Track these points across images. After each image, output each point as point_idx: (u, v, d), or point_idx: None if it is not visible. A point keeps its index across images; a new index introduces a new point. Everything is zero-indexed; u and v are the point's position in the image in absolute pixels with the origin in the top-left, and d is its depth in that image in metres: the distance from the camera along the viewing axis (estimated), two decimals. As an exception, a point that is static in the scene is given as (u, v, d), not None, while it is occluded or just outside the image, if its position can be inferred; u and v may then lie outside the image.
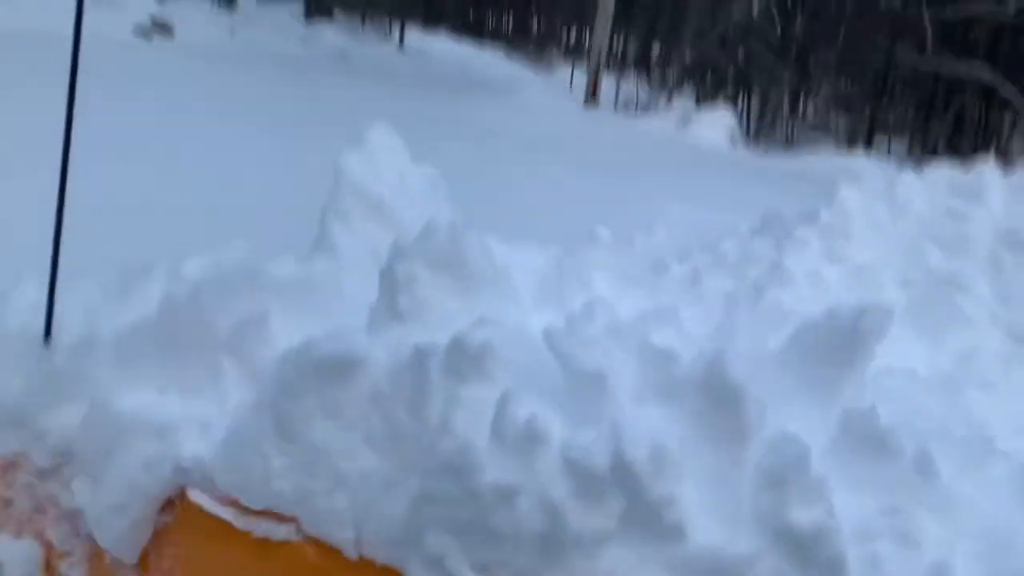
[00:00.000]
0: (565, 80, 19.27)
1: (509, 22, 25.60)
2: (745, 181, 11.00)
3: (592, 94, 16.87)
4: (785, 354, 2.18)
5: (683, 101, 18.25)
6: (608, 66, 18.72)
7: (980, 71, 16.27)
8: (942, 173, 3.97)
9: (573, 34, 24.64)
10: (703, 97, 18.88)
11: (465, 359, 2.07)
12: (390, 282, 2.34)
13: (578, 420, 1.98)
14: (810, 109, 19.12)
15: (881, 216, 3.63)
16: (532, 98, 15.86)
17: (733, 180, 10.95)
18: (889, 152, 17.05)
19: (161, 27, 13.36)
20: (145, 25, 13.56)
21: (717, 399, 1.92)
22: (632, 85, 18.92)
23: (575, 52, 22.11)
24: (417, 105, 12.25)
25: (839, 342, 2.11)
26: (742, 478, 1.90)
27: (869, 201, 3.73)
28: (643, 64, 21.80)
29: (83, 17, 2.56)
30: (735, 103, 18.75)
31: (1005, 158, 16.67)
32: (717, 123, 16.22)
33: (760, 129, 18.35)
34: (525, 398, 1.99)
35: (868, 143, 17.25)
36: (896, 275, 3.43)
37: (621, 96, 18.06)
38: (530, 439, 1.93)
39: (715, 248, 3.64)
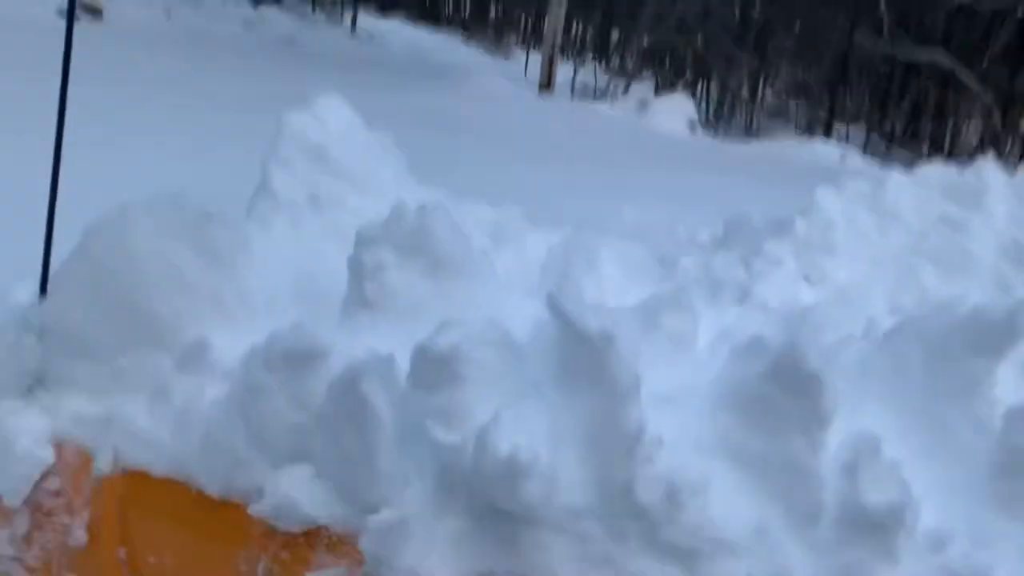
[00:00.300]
0: (521, 67, 18.68)
1: (466, 7, 24.98)
2: (705, 171, 10.53)
3: (547, 81, 16.28)
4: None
5: (641, 88, 17.75)
6: (565, 52, 18.17)
7: (937, 56, 15.95)
8: (935, 173, 3.29)
9: (531, 20, 24.02)
10: (662, 84, 18.41)
11: (431, 368, 1.85)
12: (357, 271, 2.22)
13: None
14: (768, 96, 18.75)
15: (866, 225, 3.03)
16: (485, 85, 15.23)
17: (692, 170, 10.47)
18: (847, 139, 16.71)
19: (88, 8, 12.43)
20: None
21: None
22: (590, 72, 18.40)
23: (533, 38, 21.50)
24: (365, 93, 11.61)
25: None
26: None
27: (851, 206, 3.13)
28: (601, 50, 21.29)
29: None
30: (694, 90, 18.32)
31: (959, 145, 16.65)
32: (676, 110, 15.76)
33: (719, 116, 17.96)
34: (505, 423, 1.77)
35: (827, 130, 16.93)
36: (885, 299, 2.86)
37: (578, 83, 17.51)
38: (515, 472, 1.72)
39: (672, 266, 3.05)
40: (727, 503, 1.78)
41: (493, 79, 15.97)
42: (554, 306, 1.86)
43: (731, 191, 9.30)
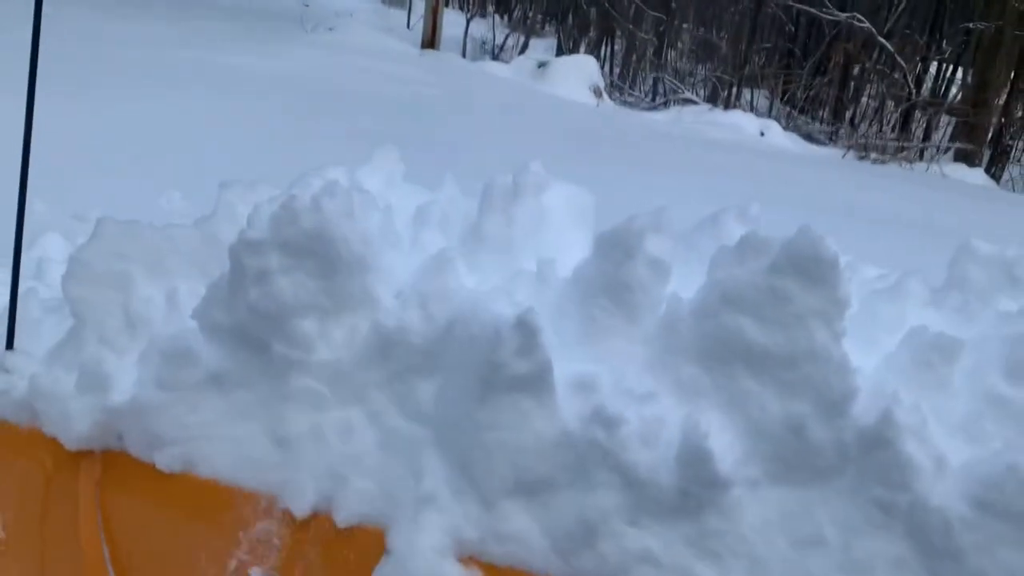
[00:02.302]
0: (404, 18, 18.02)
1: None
2: (616, 159, 9.75)
3: (430, 36, 15.59)
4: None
5: (541, 46, 17.36)
6: (464, 3, 17.57)
7: (849, 17, 16.06)
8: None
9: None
10: (564, 43, 18.06)
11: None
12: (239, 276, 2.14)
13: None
14: (673, 58, 18.62)
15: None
16: (354, 37, 14.59)
17: (601, 158, 9.62)
18: (753, 105, 16.73)
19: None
20: None
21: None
22: (484, 27, 17.87)
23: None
24: (195, 48, 10.93)
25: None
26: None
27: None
28: (499, 4, 20.81)
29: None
30: (598, 50, 18.02)
31: (860, 112, 16.90)
32: (579, 72, 15.38)
33: (624, 80, 17.71)
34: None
35: (736, 95, 16.96)
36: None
37: (470, 39, 16.95)
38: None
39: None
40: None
41: (364, 31, 15.30)
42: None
43: (655, 194, 8.85)
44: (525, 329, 1.87)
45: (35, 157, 2.38)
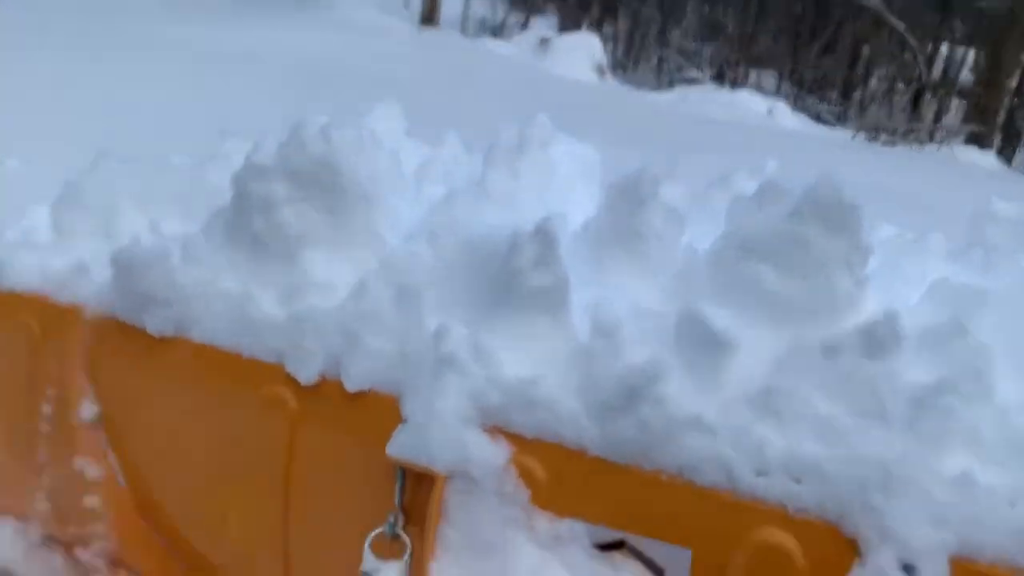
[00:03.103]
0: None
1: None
2: (617, 139, 9.72)
3: (429, 12, 15.52)
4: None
5: (543, 23, 17.31)
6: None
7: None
8: None
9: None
10: (566, 21, 18.01)
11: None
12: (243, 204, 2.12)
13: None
14: (678, 37, 18.61)
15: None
16: (352, 15, 14.53)
17: (605, 138, 9.62)
18: (759, 85, 16.70)
19: None
20: None
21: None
22: (484, 4, 17.82)
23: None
24: (191, 25, 10.88)
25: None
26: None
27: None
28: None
29: None
30: (600, 28, 17.98)
31: (868, 93, 16.87)
32: (581, 50, 15.35)
33: (627, 58, 17.68)
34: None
35: (743, 75, 16.94)
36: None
37: (470, 16, 16.90)
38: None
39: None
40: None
41: (362, 9, 15.23)
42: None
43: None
44: (544, 238, 1.86)
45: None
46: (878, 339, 1.73)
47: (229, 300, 2.12)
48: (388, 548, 1.89)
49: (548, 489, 1.80)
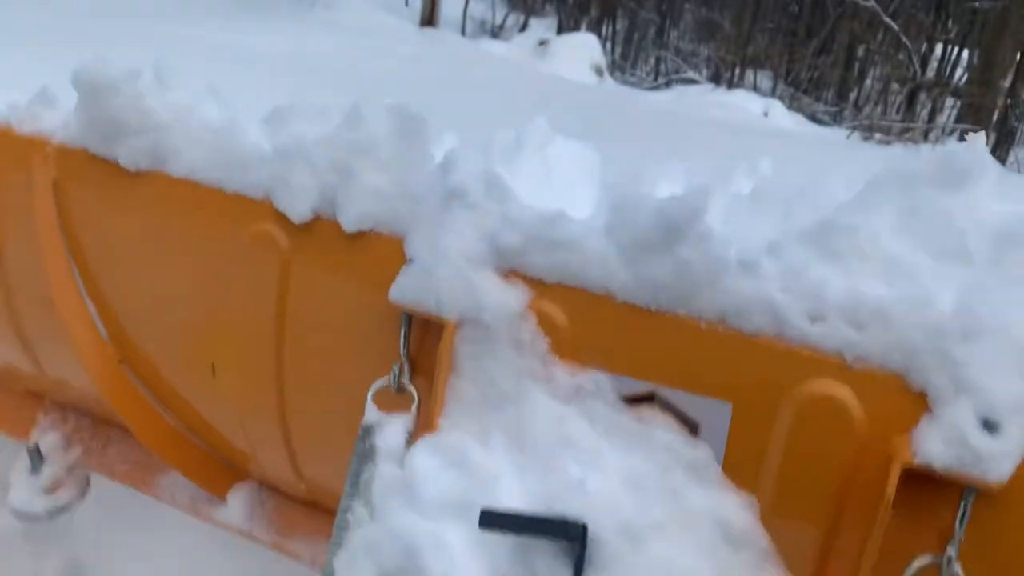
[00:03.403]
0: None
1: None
2: (617, 137, 9.81)
3: (429, 13, 15.57)
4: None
5: (542, 25, 17.34)
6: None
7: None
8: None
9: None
10: (565, 22, 18.07)
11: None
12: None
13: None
14: (676, 37, 18.67)
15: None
16: (351, 14, 14.55)
17: (602, 133, 9.68)
18: (756, 85, 16.72)
19: None
20: None
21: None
22: (483, 5, 17.87)
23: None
24: (183, 21, 10.93)
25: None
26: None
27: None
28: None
29: None
30: (599, 29, 18.04)
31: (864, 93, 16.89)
32: (580, 51, 15.40)
33: (625, 59, 17.74)
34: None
35: (740, 75, 16.94)
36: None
37: (469, 17, 16.96)
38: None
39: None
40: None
41: (362, 8, 15.25)
42: None
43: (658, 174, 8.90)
44: None
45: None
46: (958, 167, 1.54)
47: (210, 129, 1.93)
48: (393, 401, 1.74)
49: (570, 338, 1.64)
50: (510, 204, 1.68)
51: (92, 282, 2.17)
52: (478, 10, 17.53)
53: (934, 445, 1.41)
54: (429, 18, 15.48)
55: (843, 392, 1.48)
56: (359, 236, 1.80)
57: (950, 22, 17.45)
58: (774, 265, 1.53)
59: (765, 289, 1.52)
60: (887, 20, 16.11)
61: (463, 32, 16.40)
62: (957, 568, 1.45)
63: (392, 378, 1.74)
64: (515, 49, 15.55)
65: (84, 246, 2.15)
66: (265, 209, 1.88)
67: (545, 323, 1.63)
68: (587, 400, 1.63)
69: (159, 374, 2.21)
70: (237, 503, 2.32)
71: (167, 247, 2.04)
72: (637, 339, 1.60)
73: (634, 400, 1.63)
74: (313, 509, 2.28)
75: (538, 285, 1.65)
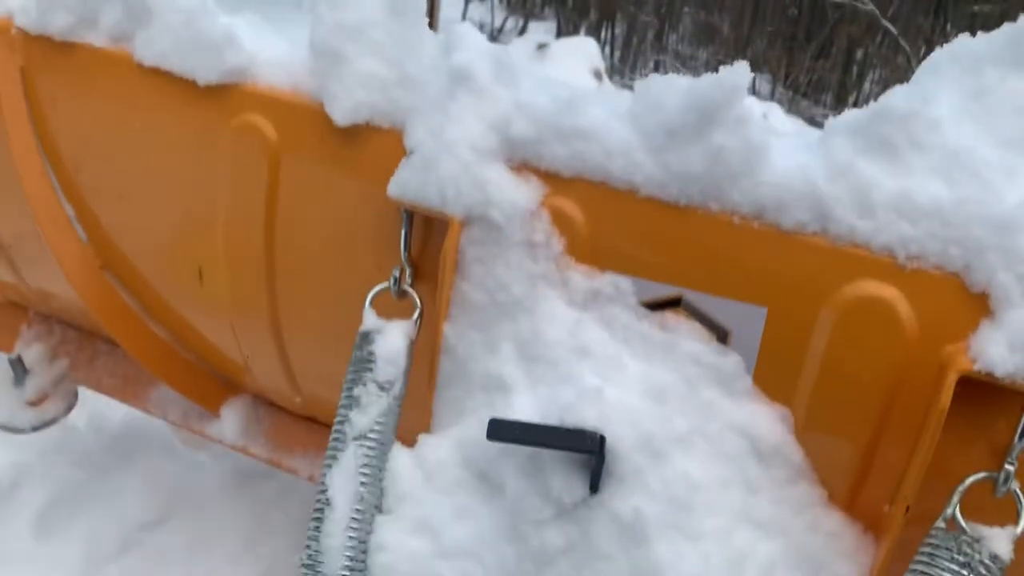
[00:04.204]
0: None
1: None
2: None
3: (429, 16, 15.56)
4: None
5: (540, 29, 17.25)
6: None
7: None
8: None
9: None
10: (564, 26, 18.00)
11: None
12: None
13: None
14: (675, 41, 18.66)
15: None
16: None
17: None
18: (754, 90, 16.66)
19: None
20: None
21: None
22: (482, 9, 17.82)
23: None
24: None
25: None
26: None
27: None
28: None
29: None
30: (598, 33, 17.97)
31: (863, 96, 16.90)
32: (579, 55, 15.32)
33: (624, 63, 17.69)
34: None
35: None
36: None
37: (467, 20, 16.91)
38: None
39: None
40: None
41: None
42: None
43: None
44: None
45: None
46: (1013, 45, 1.39)
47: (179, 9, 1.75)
48: (393, 306, 1.60)
49: (587, 237, 1.49)
50: (521, 89, 1.51)
51: (68, 182, 2.00)
52: (477, 13, 17.44)
53: (996, 350, 1.27)
54: (430, 17, 15.40)
55: (892, 294, 1.33)
56: (352, 131, 1.64)
57: (949, 25, 17.40)
58: (820, 157, 1.38)
59: (809, 179, 1.36)
60: (886, 23, 16.06)
61: (462, 35, 16.35)
62: (1015, 484, 1.32)
63: (392, 282, 1.59)
64: (513, 51, 15.48)
65: (58, 143, 1.98)
66: (249, 97, 1.72)
67: (560, 221, 1.49)
68: (606, 306, 1.49)
69: (144, 281, 2.06)
70: (231, 417, 2.20)
71: (145, 142, 1.87)
72: (662, 238, 1.45)
73: (658, 305, 1.49)
74: (311, 423, 2.16)
75: (553, 179, 1.50)
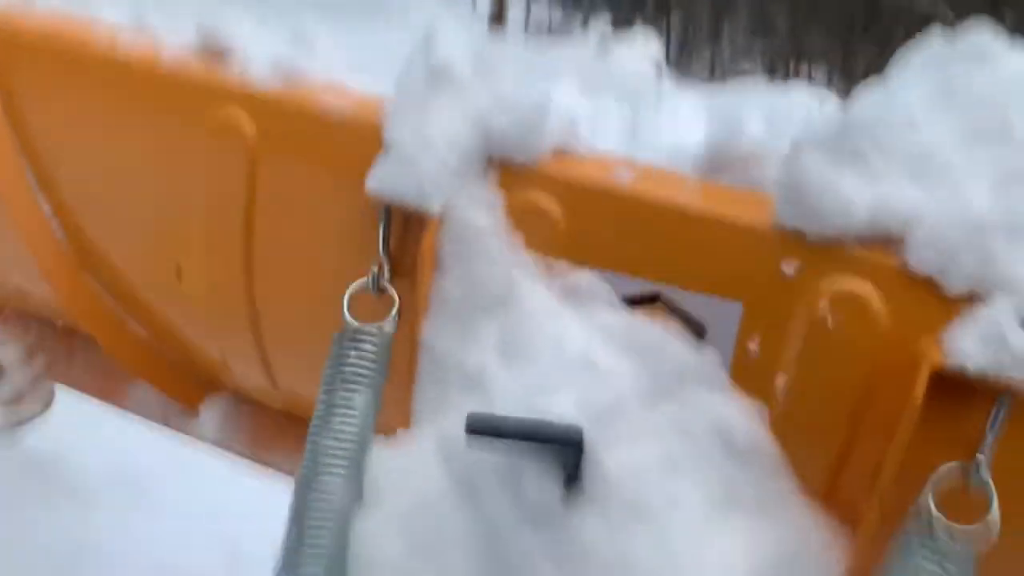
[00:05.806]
0: (471, -4, 17.92)
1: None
2: None
3: (498, 14, 15.48)
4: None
5: (599, 24, 17.21)
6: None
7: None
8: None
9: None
10: (619, 19, 17.90)
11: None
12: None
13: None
14: (730, 31, 18.43)
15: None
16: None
17: None
18: (811, 80, 16.36)
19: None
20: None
21: None
22: (539, 5, 17.76)
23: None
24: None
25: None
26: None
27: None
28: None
29: None
30: (655, 27, 17.84)
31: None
32: (640, 49, 15.20)
33: (682, 57, 17.53)
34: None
35: (794, 69, 16.68)
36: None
37: (532, 17, 16.84)
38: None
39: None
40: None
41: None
42: None
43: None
44: None
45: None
46: (979, 42, 1.32)
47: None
48: (372, 304, 1.58)
49: (566, 232, 1.47)
50: (502, 84, 1.50)
51: (45, 177, 1.97)
52: (535, 10, 17.43)
53: (968, 345, 1.23)
54: (498, 17, 15.42)
55: (867, 290, 1.31)
56: (334, 121, 1.61)
57: (1007, 15, 16.94)
58: (792, 168, 1.33)
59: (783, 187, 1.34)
60: (942, 12, 15.69)
61: (525, 31, 16.31)
62: (987, 475, 1.28)
63: (371, 279, 1.56)
64: (575, 48, 15.40)
65: (34, 135, 1.93)
66: (224, 88, 1.67)
67: (539, 217, 1.47)
68: (585, 302, 1.47)
69: (122, 277, 2.03)
70: (211, 415, 2.20)
71: (120, 133, 1.83)
72: (642, 232, 1.43)
73: (637, 302, 1.46)
74: (292, 420, 2.12)
75: (532, 174, 1.48)
